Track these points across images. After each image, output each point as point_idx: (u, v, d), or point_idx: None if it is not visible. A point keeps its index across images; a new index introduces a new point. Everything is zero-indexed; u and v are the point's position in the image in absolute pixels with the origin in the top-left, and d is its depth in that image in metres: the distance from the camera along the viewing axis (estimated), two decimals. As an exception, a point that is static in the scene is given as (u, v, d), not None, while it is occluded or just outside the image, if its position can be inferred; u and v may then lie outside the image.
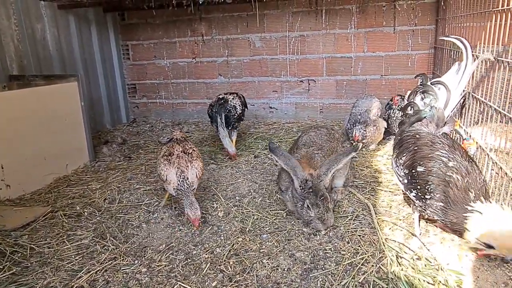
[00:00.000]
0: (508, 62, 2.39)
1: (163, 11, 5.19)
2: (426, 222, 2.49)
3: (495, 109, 2.57)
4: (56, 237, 2.61)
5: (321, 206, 2.39)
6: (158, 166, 2.78)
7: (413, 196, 2.34)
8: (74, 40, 4.92)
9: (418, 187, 2.28)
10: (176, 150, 2.81)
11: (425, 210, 2.27)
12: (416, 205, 2.36)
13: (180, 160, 2.72)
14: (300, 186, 2.45)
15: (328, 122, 5.19)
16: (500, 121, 2.50)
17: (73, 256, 2.38)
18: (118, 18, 5.68)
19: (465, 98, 3.01)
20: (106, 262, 2.29)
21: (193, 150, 2.88)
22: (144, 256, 2.34)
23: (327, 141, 2.90)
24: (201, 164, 2.82)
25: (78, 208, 3.02)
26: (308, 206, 2.40)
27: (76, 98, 3.84)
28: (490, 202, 2.03)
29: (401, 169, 2.49)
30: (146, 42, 5.69)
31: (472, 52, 2.78)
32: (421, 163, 2.31)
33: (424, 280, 1.95)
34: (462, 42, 2.80)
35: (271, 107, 5.53)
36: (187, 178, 2.64)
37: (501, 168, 2.42)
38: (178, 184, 2.61)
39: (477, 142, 2.88)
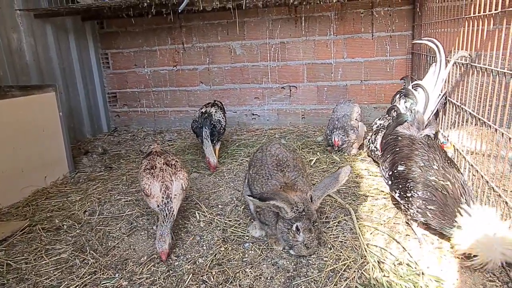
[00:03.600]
0: (481, 67, 2.46)
1: (142, 19, 5.15)
2: (407, 224, 2.52)
3: (470, 113, 2.63)
4: (34, 252, 2.54)
5: (314, 232, 2.22)
6: (141, 181, 2.60)
7: (398, 196, 2.40)
8: (52, 49, 4.84)
9: (400, 186, 2.33)
10: (158, 163, 2.67)
11: (408, 210, 2.32)
12: (402, 206, 2.40)
13: (164, 174, 2.57)
14: (293, 211, 2.17)
15: (310, 127, 5.23)
16: (475, 125, 2.57)
17: (51, 272, 2.32)
18: (97, 27, 5.61)
19: (446, 97, 3.06)
20: (86, 277, 2.24)
21: (176, 161, 2.78)
22: (125, 269, 2.30)
23: (293, 159, 2.56)
24: (186, 174, 2.70)
25: (57, 221, 2.95)
26: (297, 229, 2.19)
27: (54, 108, 3.77)
28: (473, 203, 2.07)
29: (386, 171, 2.55)
30: (126, 50, 5.64)
31: (447, 56, 2.85)
32: (402, 162, 2.38)
33: (406, 286, 1.97)
34: (433, 42, 2.86)
35: (253, 114, 5.53)
36: (170, 200, 2.46)
37: (477, 170, 2.48)
38: (160, 203, 2.45)
39: (454, 146, 2.94)
